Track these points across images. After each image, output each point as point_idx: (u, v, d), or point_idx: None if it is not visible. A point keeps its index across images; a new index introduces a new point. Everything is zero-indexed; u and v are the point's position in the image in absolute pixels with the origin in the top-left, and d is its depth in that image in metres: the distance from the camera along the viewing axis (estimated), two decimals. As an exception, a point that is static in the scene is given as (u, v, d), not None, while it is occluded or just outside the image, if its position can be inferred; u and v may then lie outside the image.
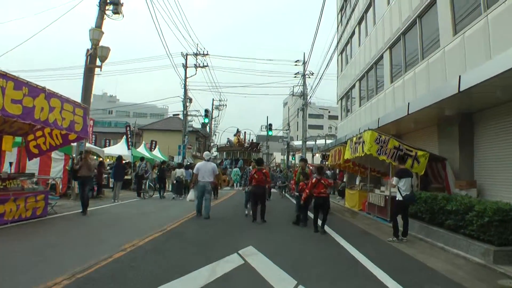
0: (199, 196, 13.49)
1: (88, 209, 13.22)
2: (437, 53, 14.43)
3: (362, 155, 13.28)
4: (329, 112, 69.38)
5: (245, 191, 14.54)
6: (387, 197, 13.17)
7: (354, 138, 14.48)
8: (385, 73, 21.09)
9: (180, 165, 26.19)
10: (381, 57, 21.83)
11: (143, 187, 22.14)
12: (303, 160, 15.07)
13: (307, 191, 11.34)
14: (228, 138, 56.30)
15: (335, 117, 68.20)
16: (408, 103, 14.12)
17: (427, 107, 12.64)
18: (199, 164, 14.11)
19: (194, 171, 14.15)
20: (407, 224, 9.81)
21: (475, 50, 11.78)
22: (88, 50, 18.36)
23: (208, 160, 14.25)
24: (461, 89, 10.27)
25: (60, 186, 18.53)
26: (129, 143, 29.45)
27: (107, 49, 17.85)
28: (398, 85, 18.80)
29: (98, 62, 18.20)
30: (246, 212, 14.13)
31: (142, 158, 23.91)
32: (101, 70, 18.42)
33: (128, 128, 30.68)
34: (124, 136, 30.42)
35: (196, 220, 12.64)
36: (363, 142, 13.02)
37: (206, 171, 13.55)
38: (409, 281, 5.94)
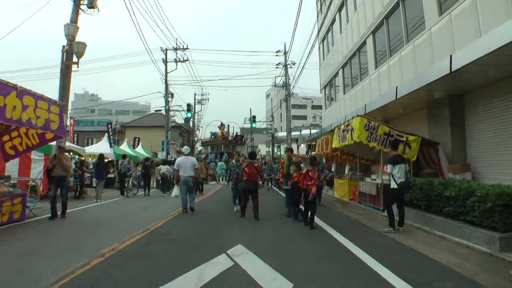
0: (183, 191, 13.59)
1: (67, 210, 12.56)
2: (423, 35, 14.01)
3: (351, 143, 12.81)
4: (312, 101, 69.15)
5: (231, 187, 13.58)
6: (379, 186, 12.75)
7: (342, 126, 14.00)
8: (369, 59, 20.68)
9: (164, 162, 25.80)
10: (364, 42, 21.43)
11: (126, 185, 21.33)
12: (289, 150, 13.68)
13: (301, 184, 10.29)
14: (211, 132, 55.67)
15: (319, 107, 67.94)
16: (396, 87, 13.68)
17: (416, 90, 12.18)
18: (179, 159, 14.15)
19: (175, 166, 14.13)
20: (403, 213, 9.38)
21: (464, 29, 11.37)
22: (64, 47, 17.72)
23: (187, 155, 14.12)
24: (452, 69, 9.81)
25: (41, 188, 17.83)
26: (111, 141, 28.63)
27: (83, 45, 17.17)
28: (383, 70, 18.39)
29: (75, 59, 17.55)
30: (235, 208, 13.35)
31: (124, 156, 23.28)
32: (78, 67, 17.66)
33: (109, 126, 29.79)
34: (106, 134, 29.57)
35: (182, 218, 12.04)
36: (352, 129, 12.54)
37: (186, 165, 13.60)
38: (416, 278, 5.44)
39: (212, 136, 54.72)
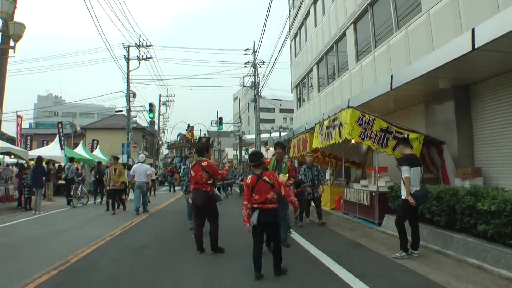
0: (137, 195, 14.92)
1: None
2: (419, 18, 11.92)
3: (339, 141, 10.59)
4: (280, 105, 67.21)
5: (186, 199, 10.29)
6: (373, 194, 10.50)
7: (326, 122, 11.78)
8: (349, 52, 18.63)
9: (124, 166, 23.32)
10: (344, 34, 19.39)
11: (73, 193, 18.43)
12: (280, 146, 8.56)
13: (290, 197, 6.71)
14: (179, 133, 52.76)
15: (287, 110, 66.13)
16: (391, 76, 11.49)
17: (419, 77, 10.00)
18: (135, 166, 15.76)
19: (131, 172, 15.63)
20: (417, 232, 7.12)
21: (479, 5, 9.31)
22: (-2, 28, 15.03)
23: (142, 162, 15.63)
24: (476, 46, 7.69)
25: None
26: (62, 142, 25.64)
27: (21, 26, 14.49)
28: (367, 62, 16.32)
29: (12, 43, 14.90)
30: (190, 226, 10.12)
31: (71, 159, 20.41)
32: (14, 52, 14.99)
33: (59, 125, 26.75)
34: (57, 135, 26.60)
35: (122, 239, 9.40)
36: (340, 124, 10.31)
37: (141, 172, 14.99)
38: None
39: (179, 138, 51.86)
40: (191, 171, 7.94)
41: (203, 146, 8.51)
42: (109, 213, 14.97)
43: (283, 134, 38.61)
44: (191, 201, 8.44)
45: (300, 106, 30.36)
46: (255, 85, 37.75)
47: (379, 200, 10.22)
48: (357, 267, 6.31)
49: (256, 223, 5.80)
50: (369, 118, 9.80)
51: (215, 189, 8.59)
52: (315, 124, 13.80)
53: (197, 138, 48.68)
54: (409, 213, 7.06)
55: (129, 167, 22.01)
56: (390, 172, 12.14)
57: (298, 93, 31.16)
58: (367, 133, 9.76)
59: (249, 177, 6.15)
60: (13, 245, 9.01)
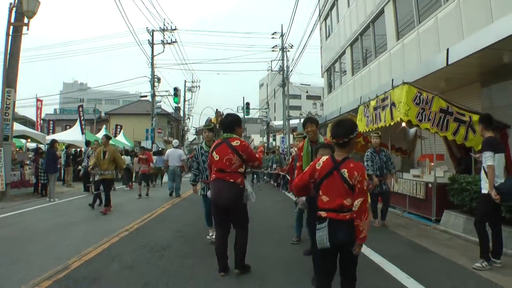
0: (170, 179, 16.00)
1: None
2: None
3: (391, 124, 9.24)
4: (307, 91, 65.66)
5: (200, 194, 7.66)
6: (430, 185, 9.15)
7: (373, 102, 10.41)
8: (388, 30, 17.24)
9: (154, 153, 22.94)
10: (381, 12, 18.03)
11: (91, 179, 17.09)
12: (312, 121, 6.23)
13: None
14: (208, 118, 51.52)
15: (314, 97, 64.55)
16: (447, 50, 10.06)
17: (483, 49, 8.56)
18: (168, 151, 16.73)
19: (165, 157, 16.87)
20: (500, 236, 5.74)
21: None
22: (11, 4, 14.31)
23: (176, 147, 16.51)
24: None
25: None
26: (82, 126, 24.73)
27: (35, 2, 13.83)
28: (410, 40, 14.93)
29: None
30: (210, 235, 7.44)
31: (88, 143, 18.91)
32: (28, 29, 14.21)
33: (80, 109, 25.89)
34: (78, 119, 25.76)
35: (135, 240, 7.64)
36: (392, 104, 8.96)
37: (174, 156, 15.78)
38: None
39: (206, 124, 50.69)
40: (213, 154, 5.44)
41: (233, 118, 5.77)
42: (127, 202, 14.00)
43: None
44: (209, 197, 5.89)
45: (331, 91, 28.95)
46: (283, 70, 36.44)
47: (436, 193, 8.86)
48: (433, 280, 5.08)
49: (329, 245, 3.56)
50: (427, 96, 8.37)
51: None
52: (359, 105, 12.45)
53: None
54: (492, 212, 5.68)
55: (159, 153, 21.36)
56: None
57: (329, 78, 29.73)
58: (425, 114, 8.30)
59: (323, 159, 3.79)
60: (12, 239, 7.84)
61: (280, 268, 5.74)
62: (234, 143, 5.33)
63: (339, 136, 3.72)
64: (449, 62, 9.77)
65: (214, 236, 6.50)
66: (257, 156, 5.64)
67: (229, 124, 5.56)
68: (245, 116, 45.72)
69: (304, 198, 5.36)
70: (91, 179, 16.41)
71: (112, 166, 11.39)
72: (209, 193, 5.91)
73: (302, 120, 32.07)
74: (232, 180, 5.25)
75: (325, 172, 3.70)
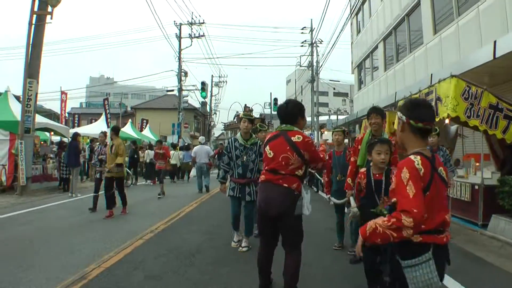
0: (198, 176, 15.87)
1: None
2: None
3: (436, 120, 8.58)
4: (334, 88, 64.74)
5: (229, 195, 6.75)
6: (476, 187, 8.45)
7: (415, 97, 9.79)
8: (425, 23, 16.55)
9: (182, 148, 23.26)
10: (417, 4, 17.42)
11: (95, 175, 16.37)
12: (378, 112, 5.46)
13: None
14: (237, 112, 50.86)
15: (342, 94, 63.56)
16: (495, 42, 9.29)
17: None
18: (196, 148, 16.75)
19: (192, 154, 16.92)
20: None
21: None
22: (34, -8, 14.06)
23: (203, 144, 16.78)
24: None
25: (4, 178, 14.01)
26: (108, 119, 24.56)
27: (59, -10, 13.45)
28: (448, 33, 14.22)
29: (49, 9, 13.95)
30: (235, 239, 6.87)
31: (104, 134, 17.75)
32: (51, 18, 13.89)
33: (106, 102, 25.71)
34: (103, 113, 25.56)
35: (161, 243, 6.92)
36: (438, 99, 8.25)
37: (202, 153, 15.90)
38: None
39: (235, 119, 49.85)
40: (267, 149, 4.32)
41: (296, 106, 4.47)
42: (151, 199, 13.39)
43: (340, 117, 36.23)
44: (257, 203, 4.55)
45: (362, 88, 28.28)
46: (312, 65, 35.79)
47: (484, 196, 8.18)
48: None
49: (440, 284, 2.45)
50: (476, 91, 7.65)
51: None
52: (398, 101, 11.80)
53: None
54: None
55: (186, 148, 21.05)
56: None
57: (359, 74, 29.05)
58: (473, 110, 7.57)
59: (418, 160, 2.48)
60: (27, 239, 7.27)
61: (326, 280, 5.11)
62: (295, 138, 4.13)
63: (430, 119, 2.65)
64: (497, 55, 9.07)
65: (242, 243, 6.43)
66: (322, 157, 4.46)
67: (290, 112, 4.35)
68: (271, 112, 45.14)
69: (355, 209, 4.62)
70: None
71: (117, 160, 9.87)
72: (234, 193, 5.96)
73: (330, 116, 31.34)
74: (286, 185, 4.10)
75: (428, 178, 2.48)
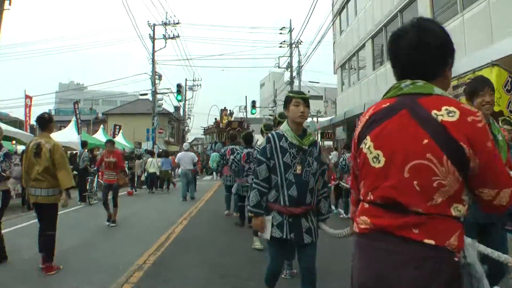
0: (184, 183, 15.29)
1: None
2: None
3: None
4: (308, 91, 64.08)
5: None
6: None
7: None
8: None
9: (159, 154, 21.84)
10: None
11: (88, 186, 14.39)
12: (489, 85, 3.51)
13: None
14: (215, 119, 49.15)
15: (316, 97, 62.71)
16: None
17: None
18: (180, 154, 16.61)
19: (176, 160, 16.70)
20: None
21: None
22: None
23: (187, 150, 16.56)
24: None
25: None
26: (79, 125, 22.46)
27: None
28: (453, 27, 13.18)
29: None
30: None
31: (84, 144, 15.98)
32: (10, 4, 12.53)
33: (76, 106, 23.52)
34: (73, 118, 23.46)
35: None
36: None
37: (186, 160, 15.52)
38: None
39: (214, 123, 47.94)
40: (365, 145, 1.79)
41: (437, 34, 1.79)
42: (135, 213, 11.90)
43: (321, 120, 35.08)
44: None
45: (346, 88, 27.46)
46: (291, 66, 35.01)
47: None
48: None
49: None
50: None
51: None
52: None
53: (226, 123, 43.34)
54: None
55: (165, 154, 19.66)
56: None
57: (343, 74, 28.25)
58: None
59: None
60: None
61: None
62: (442, 115, 1.59)
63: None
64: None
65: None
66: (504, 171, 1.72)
67: (424, 50, 1.76)
68: (246, 116, 43.89)
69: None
70: (88, 187, 14.37)
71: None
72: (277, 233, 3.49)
73: (313, 118, 29.94)
74: (429, 241, 1.57)
75: None
